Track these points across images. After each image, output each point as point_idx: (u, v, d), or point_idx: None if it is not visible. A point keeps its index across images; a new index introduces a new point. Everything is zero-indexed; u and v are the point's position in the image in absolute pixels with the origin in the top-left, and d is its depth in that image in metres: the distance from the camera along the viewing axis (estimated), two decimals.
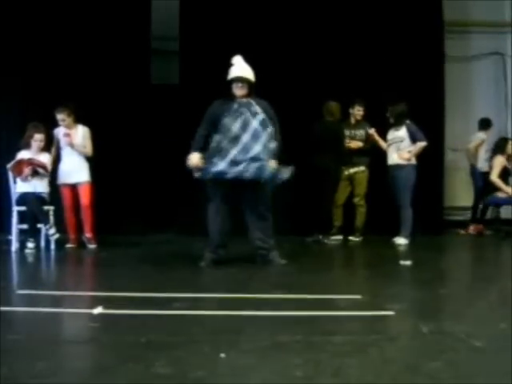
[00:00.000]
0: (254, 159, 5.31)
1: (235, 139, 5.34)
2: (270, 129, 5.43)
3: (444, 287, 4.68)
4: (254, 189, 5.46)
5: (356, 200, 7.78)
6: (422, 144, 7.30)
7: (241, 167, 5.29)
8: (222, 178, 5.35)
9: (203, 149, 5.46)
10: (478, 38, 9.54)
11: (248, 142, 5.33)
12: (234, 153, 5.31)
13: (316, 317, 3.46)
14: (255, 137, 5.35)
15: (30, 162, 6.88)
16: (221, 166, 5.32)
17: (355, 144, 7.69)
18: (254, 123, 5.38)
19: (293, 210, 8.26)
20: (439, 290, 4.45)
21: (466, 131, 9.08)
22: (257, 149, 5.32)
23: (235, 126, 5.37)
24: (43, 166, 6.92)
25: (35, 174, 6.89)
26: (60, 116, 7.01)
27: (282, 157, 5.57)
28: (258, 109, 5.46)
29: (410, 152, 7.31)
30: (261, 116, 5.43)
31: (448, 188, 9.04)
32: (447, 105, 8.86)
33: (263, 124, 5.41)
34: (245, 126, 5.37)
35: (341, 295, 4.04)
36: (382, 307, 3.65)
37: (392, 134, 7.48)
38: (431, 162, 8.13)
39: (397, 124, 7.40)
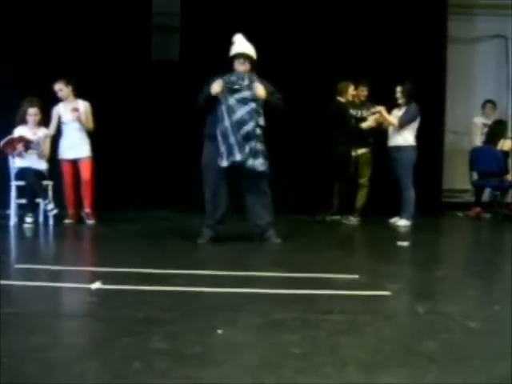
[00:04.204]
0: (247, 139, 5.37)
1: (233, 115, 5.38)
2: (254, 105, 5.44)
3: (441, 268, 4.69)
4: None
5: (362, 180, 7.76)
6: (393, 122, 7.32)
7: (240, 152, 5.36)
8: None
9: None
10: (482, 21, 9.47)
11: (242, 118, 5.37)
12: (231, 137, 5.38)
13: (313, 295, 3.48)
14: (249, 114, 5.38)
15: (20, 138, 6.85)
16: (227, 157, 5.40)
17: (367, 124, 7.64)
18: (250, 101, 5.40)
19: (292, 190, 8.29)
20: (436, 271, 4.46)
21: (467, 113, 9.06)
22: (249, 127, 5.38)
23: (232, 102, 5.38)
24: (33, 142, 6.87)
25: (28, 149, 6.86)
26: (57, 86, 6.98)
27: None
28: (253, 84, 5.45)
29: (379, 116, 7.40)
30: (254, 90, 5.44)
31: (447, 170, 9.03)
32: (449, 87, 8.82)
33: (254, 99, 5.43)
34: (242, 101, 5.38)
35: (338, 274, 4.06)
36: (379, 287, 3.67)
37: (394, 115, 7.46)
38: (431, 144, 8.12)
39: (407, 103, 7.37)
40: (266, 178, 5.58)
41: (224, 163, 5.39)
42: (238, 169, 5.48)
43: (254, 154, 5.40)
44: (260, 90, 5.41)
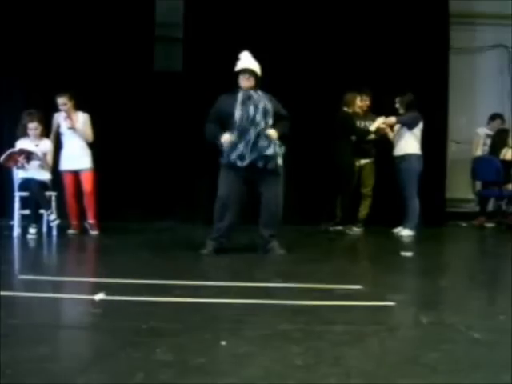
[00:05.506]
0: (261, 153, 5.40)
1: (243, 133, 5.38)
2: (270, 119, 5.48)
3: (444, 279, 4.68)
4: (268, 177, 5.50)
5: (365, 190, 7.76)
6: (392, 120, 7.40)
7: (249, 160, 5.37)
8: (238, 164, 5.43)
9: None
10: (483, 30, 9.51)
11: (255, 137, 5.38)
12: (241, 148, 5.38)
13: (317, 306, 3.47)
14: (261, 130, 5.40)
15: (21, 151, 6.86)
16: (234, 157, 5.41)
17: (373, 128, 7.62)
18: (258, 116, 5.41)
19: (295, 200, 8.28)
20: (439, 282, 4.46)
21: (469, 123, 9.07)
22: (263, 143, 5.39)
23: (243, 119, 5.39)
24: (34, 154, 6.88)
25: (29, 160, 6.86)
26: (61, 100, 7.00)
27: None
28: (262, 99, 5.47)
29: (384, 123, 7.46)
30: (263, 105, 5.45)
31: (450, 180, 9.03)
32: (451, 96, 8.84)
33: (265, 114, 5.44)
34: (252, 120, 5.39)
35: (341, 285, 4.05)
36: (383, 298, 3.66)
37: (397, 125, 7.47)
38: (434, 154, 8.12)
39: (407, 113, 7.39)
40: (279, 190, 5.63)
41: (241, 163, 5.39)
42: (253, 179, 5.53)
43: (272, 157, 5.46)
44: (273, 134, 5.46)
